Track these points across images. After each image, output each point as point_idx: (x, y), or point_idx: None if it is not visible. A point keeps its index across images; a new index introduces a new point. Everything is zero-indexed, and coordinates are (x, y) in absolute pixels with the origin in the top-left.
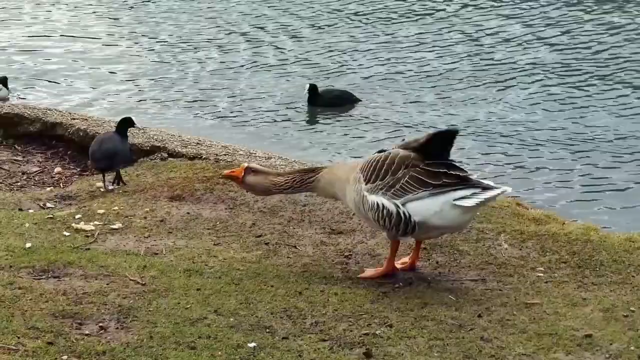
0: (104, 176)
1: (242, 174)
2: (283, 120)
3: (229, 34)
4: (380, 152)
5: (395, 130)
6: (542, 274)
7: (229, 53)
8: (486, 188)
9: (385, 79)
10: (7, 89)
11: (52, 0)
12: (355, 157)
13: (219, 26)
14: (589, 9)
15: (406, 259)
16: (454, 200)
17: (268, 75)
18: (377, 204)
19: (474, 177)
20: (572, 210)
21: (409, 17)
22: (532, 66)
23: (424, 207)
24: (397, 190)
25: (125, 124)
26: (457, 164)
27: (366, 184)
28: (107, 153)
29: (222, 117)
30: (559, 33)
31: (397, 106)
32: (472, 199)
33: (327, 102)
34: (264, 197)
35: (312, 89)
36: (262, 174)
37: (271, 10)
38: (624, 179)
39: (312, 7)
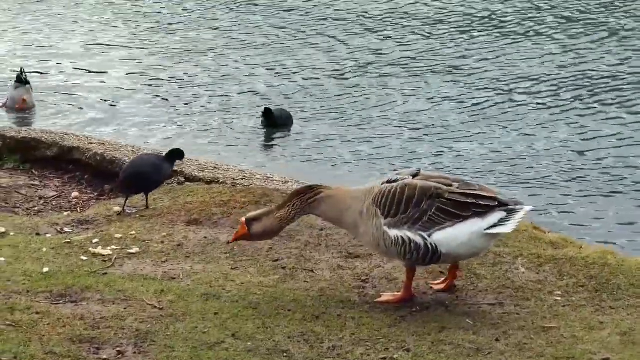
0: (126, 199)
1: (246, 228)
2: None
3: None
4: (389, 182)
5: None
6: (559, 298)
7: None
8: (512, 211)
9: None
10: (28, 83)
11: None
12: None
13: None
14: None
15: (442, 283)
16: (485, 229)
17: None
18: (402, 238)
19: (499, 197)
20: (590, 234)
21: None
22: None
23: (452, 238)
24: (424, 222)
25: (174, 155)
26: (481, 191)
27: (385, 219)
28: (130, 177)
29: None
30: (561, 50)
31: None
32: (506, 225)
33: (281, 122)
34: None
35: (267, 111)
36: (265, 216)
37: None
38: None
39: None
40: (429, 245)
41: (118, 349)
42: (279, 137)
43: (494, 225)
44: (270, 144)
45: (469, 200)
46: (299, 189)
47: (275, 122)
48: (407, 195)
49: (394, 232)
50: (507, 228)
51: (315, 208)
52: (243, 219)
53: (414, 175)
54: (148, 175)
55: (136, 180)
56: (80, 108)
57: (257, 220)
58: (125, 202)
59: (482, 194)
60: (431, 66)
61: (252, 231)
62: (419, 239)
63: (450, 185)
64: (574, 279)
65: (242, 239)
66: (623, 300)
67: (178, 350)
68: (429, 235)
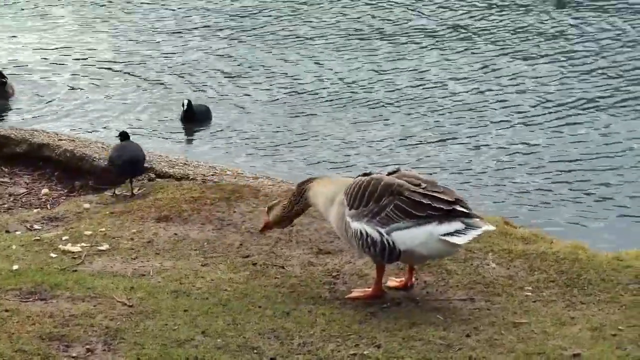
0: (131, 182)
1: (268, 216)
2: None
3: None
4: (364, 175)
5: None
6: (530, 293)
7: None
8: (470, 226)
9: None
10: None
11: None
12: None
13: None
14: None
15: (402, 278)
16: (439, 235)
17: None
18: (361, 231)
19: (459, 206)
20: (561, 229)
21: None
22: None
23: (410, 237)
24: (381, 218)
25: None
26: (441, 194)
27: (350, 209)
28: (134, 159)
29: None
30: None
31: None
32: (459, 237)
33: (199, 117)
34: (257, 218)
35: (189, 104)
36: (277, 205)
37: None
38: (613, 197)
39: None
40: (385, 242)
41: (87, 346)
42: (199, 130)
43: (449, 234)
44: (190, 137)
45: (425, 201)
46: (303, 181)
47: (194, 116)
48: (370, 189)
49: (355, 225)
50: (461, 240)
51: (307, 198)
52: (265, 207)
53: (391, 173)
54: (143, 159)
55: (137, 163)
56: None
57: (272, 209)
58: (132, 185)
59: (441, 196)
60: (374, 42)
61: (271, 218)
62: (375, 234)
63: (418, 185)
64: (545, 274)
65: (268, 228)
66: (594, 296)
67: (148, 347)
68: (387, 232)
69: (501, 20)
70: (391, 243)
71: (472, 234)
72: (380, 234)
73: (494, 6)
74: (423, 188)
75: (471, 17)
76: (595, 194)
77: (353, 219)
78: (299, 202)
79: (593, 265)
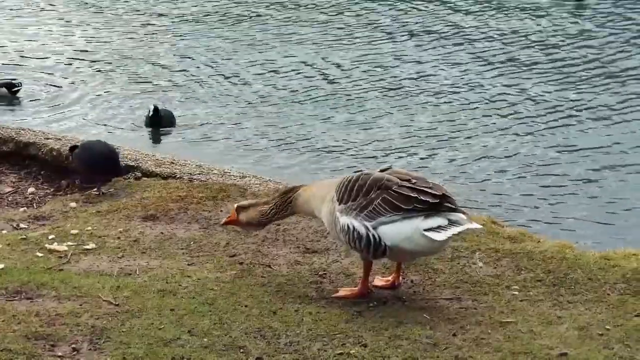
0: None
1: (236, 215)
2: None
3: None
4: (357, 172)
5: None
6: (517, 293)
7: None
8: (455, 222)
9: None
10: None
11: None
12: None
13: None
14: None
15: (389, 278)
16: (423, 230)
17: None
18: (348, 225)
19: (448, 201)
20: (547, 227)
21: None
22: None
23: (395, 231)
24: (369, 212)
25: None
26: (429, 188)
27: (339, 204)
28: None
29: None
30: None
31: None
32: (440, 233)
33: (165, 122)
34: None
35: (156, 110)
36: (252, 207)
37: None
38: (601, 195)
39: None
40: (371, 237)
41: (73, 345)
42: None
43: (432, 229)
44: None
45: (412, 195)
46: (286, 189)
47: (160, 121)
48: (359, 183)
49: (343, 219)
50: (440, 236)
51: (294, 205)
52: (236, 205)
53: (383, 170)
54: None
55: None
56: None
57: (245, 209)
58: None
59: (429, 190)
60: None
61: (239, 219)
62: (362, 229)
63: (407, 180)
64: (532, 274)
65: (232, 224)
66: (581, 295)
67: (134, 346)
68: (373, 227)
69: (509, 24)
70: (377, 237)
71: (453, 230)
72: (367, 228)
73: (503, 8)
74: (412, 183)
75: (476, 18)
76: (585, 194)
77: (342, 213)
78: (282, 211)
79: (580, 265)
